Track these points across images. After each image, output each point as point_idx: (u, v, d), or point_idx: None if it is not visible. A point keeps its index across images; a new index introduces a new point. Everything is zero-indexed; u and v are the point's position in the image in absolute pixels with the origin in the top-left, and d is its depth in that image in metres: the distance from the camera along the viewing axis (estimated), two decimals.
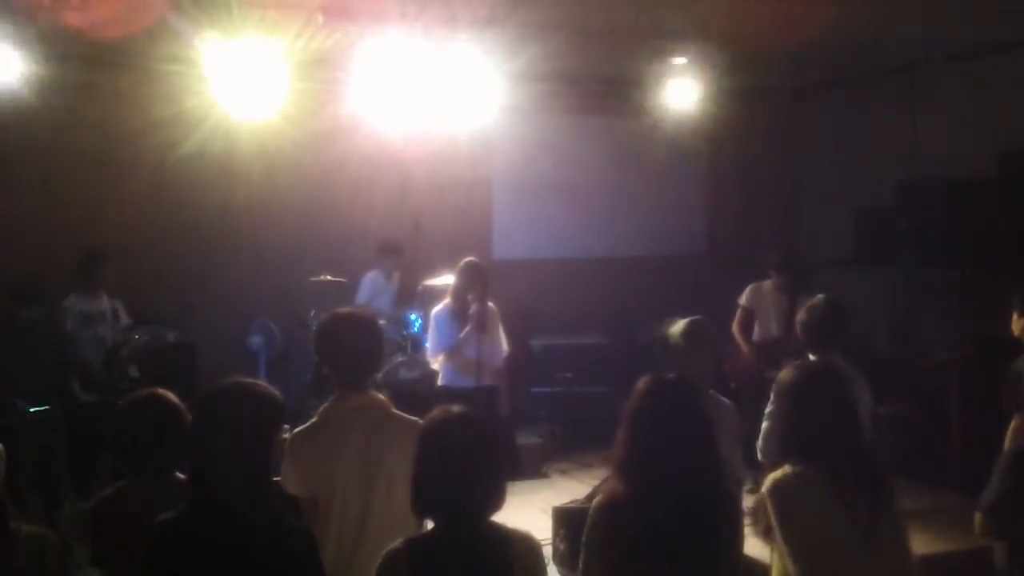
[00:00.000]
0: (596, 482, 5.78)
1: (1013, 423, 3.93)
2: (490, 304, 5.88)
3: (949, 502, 5.79)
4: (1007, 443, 3.90)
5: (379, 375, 6.42)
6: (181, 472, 2.84)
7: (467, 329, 5.73)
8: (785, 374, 2.90)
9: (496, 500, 2.34)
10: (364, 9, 5.75)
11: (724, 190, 9.43)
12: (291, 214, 7.85)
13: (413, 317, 7.50)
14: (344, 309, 3.35)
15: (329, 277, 7.54)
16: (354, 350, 3.09)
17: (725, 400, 3.86)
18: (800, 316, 4.31)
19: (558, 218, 8.95)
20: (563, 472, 7.27)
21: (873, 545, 2.60)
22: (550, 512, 5.37)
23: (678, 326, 3.87)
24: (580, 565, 2.57)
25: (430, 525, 2.38)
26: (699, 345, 3.76)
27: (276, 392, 2.47)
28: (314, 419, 3.09)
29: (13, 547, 2.54)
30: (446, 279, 6.43)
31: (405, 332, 7.52)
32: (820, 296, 4.47)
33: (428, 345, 5.93)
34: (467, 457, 2.31)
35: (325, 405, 3.11)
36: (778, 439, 2.85)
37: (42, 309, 5.89)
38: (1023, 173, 6.84)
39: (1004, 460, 3.60)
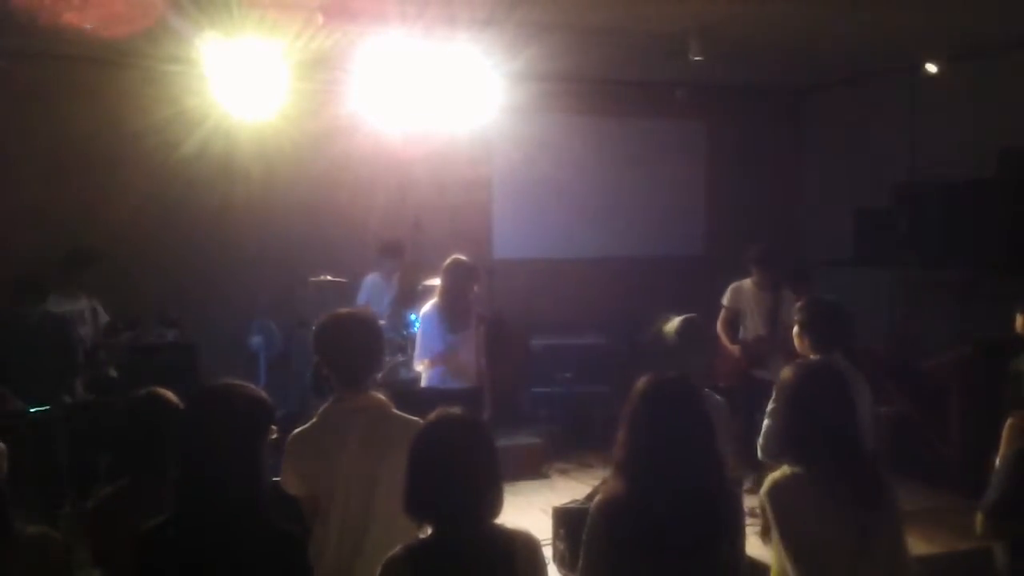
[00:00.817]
0: (596, 482, 5.79)
1: (1009, 422, 3.92)
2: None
3: (949, 502, 5.79)
4: (1003, 443, 3.89)
5: (379, 375, 6.37)
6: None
7: (467, 331, 5.66)
8: (786, 373, 2.89)
9: (495, 503, 2.34)
10: (364, 9, 5.75)
11: (724, 190, 9.43)
12: (291, 214, 7.85)
13: (413, 317, 7.48)
14: (344, 309, 3.35)
15: (329, 277, 7.53)
16: (354, 350, 3.09)
17: (718, 398, 3.86)
18: (801, 315, 4.28)
19: (558, 218, 8.95)
20: (563, 472, 7.27)
21: (870, 547, 2.59)
22: (550, 512, 5.38)
23: (672, 324, 3.87)
24: (580, 564, 2.57)
25: (429, 528, 2.37)
26: (693, 343, 3.76)
27: (264, 394, 2.47)
28: (314, 419, 3.08)
29: (16, 547, 2.54)
30: None
31: (405, 332, 7.51)
32: (822, 295, 4.46)
33: (416, 347, 5.69)
34: (466, 460, 2.31)
35: (325, 405, 3.11)
36: (777, 437, 2.84)
37: (42, 308, 5.89)
38: (1023, 173, 6.84)
39: (1006, 460, 3.60)
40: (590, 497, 5.25)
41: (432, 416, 2.43)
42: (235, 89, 5.67)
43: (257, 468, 2.37)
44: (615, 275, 8.77)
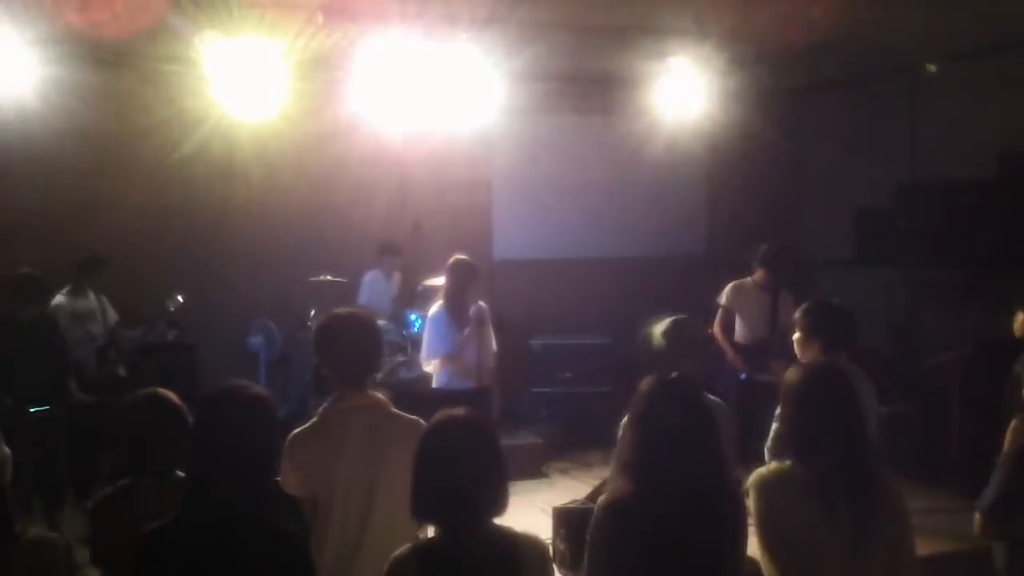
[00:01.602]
0: (596, 482, 5.80)
1: (1013, 423, 3.92)
2: (480, 303, 5.82)
3: (949, 502, 5.78)
4: (1006, 444, 3.89)
5: (379, 375, 6.37)
6: (182, 472, 2.84)
7: (467, 331, 5.66)
8: (792, 375, 2.88)
9: (499, 503, 2.33)
10: (364, 9, 5.75)
11: (724, 190, 9.43)
12: (291, 214, 7.86)
13: (413, 317, 7.50)
14: (343, 309, 3.34)
15: (329, 277, 7.55)
16: (354, 350, 3.08)
17: (718, 400, 3.85)
18: (808, 319, 4.25)
19: (558, 218, 8.95)
20: (563, 472, 7.28)
21: (860, 551, 2.56)
22: (550, 512, 5.38)
23: (661, 327, 3.83)
24: (584, 565, 2.57)
25: (430, 528, 2.37)
26: (681, 346, 3.72)
27: (265, 391, 2.48)
28: (314, 419, 3.08)
29: (17, 552, 2.53)
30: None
31: (405, 332, 7.52)
32: (826, 298, 4.44)
33: (424, 347, 5.74)
34: (472, 460, 2.30)
35: (325, 405, 3.10)
36: (785, 440, 2.83)
37: (40, 308, 5.89)
38: (1023, 173, 6.84)
39: (1005, 460, 3.60)
40: (590, 497, 5.26)
41: (438, 417, 2.42)
42: (235, 89, 5.66)
43: (263, 468, 2.38)
44: (615, 275, 8.76)
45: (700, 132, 8.64)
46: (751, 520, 2.64)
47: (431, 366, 5.74)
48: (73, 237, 6.83)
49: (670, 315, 4.39)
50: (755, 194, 9.36)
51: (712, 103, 7.30)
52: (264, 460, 2.39)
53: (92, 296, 6.61)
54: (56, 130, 7.14)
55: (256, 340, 7.63)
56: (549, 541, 5.29)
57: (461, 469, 2.29)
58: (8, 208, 7.07)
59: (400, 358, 7.34)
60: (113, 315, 6.75)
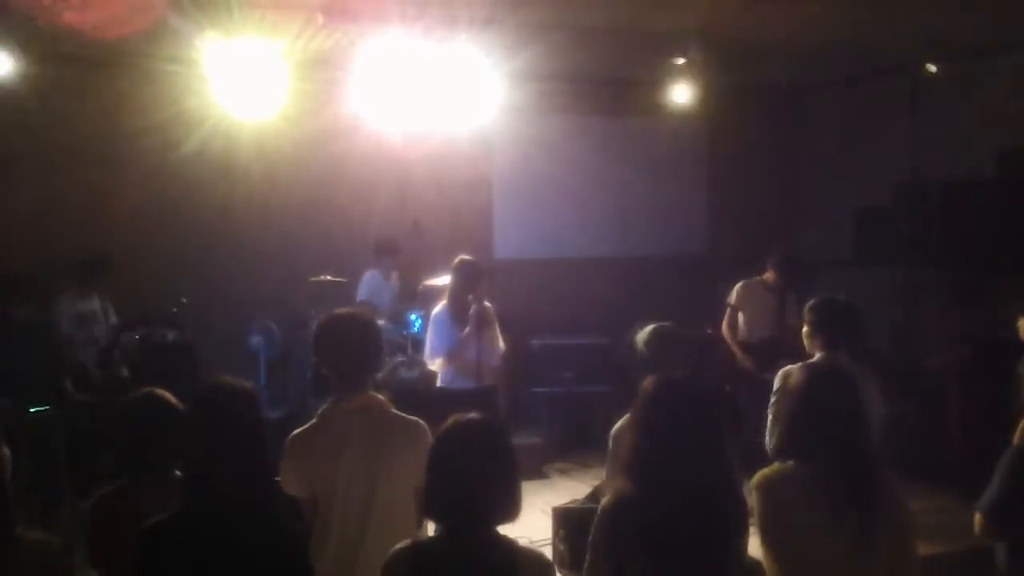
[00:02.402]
0: (596, 482, 5.79)
1: (1022, 424, 3.91)
2: (486, 303, 5.83)
3: (949, 502, 5.79)
4: (1016, 440, 3.87)
5: (379, 375, 6.38)
6: (180, 471, 2.84)
7: (467, 330, 5.67)
8: (795, 374, 2.88)
9: (509, 510, 2.32)
10: (364, 9, 5.74)
11: (724, 190, 9.43)
12: (291, 214, 7.86)
13: (413, 317, 7.49)
14: (343, 309, 3.34)
15: (329, 277, 7.54)
16: (353, 350, 3.08)
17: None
18: (815, 315, 4.26)
19: (558, 218, 8.95)
20: (563, 472, 7.28)
21: (862, 552, 2.57)
22: (550, 512, 5.37)
23: (642, 334, 3.79)
24: (586, 565, 2.56)
25: (431, 526, 2.36)
26: (662, 354, 3.69)
27: (250, 385, 2.51)
28: (314, 419, 3.08)
29: (16, 555, 2.53)
30: (446, 279, 6.40)
31: (405, 332, 7.51)
32: (833, 295, 4.45)
33: (427, 347, 5.81)
34: (483, 464, 2.29)
35: (325, 405, 3.11)
36: (787, 438, 2.83)
37: (33, 307, 5.89)
38: (1023, 172, 6.84)
39: (1005, 459, 3.59)
40: (590, 497, 5.26)
41: (456, 417, 2.40)
42: (235, 89, 5.65)
43: (257, 465, 2.38)
44: (616, 275, 8.76)
45: (700, 132, 8.67)
46: (753, 520, 2.64)
47: (435, 365, 5.79)
48: (73, 237, 6.82)
49: (653, 322, 4.35)
50: (755, 194, 9.37)
51: (712, 103, 7.30)
52: (256, 448, 2.39)
53: (95, 298, 6.61)
54: (56, 130, 7.15)
55: (256, 340, 7.63)
56: (549, 541, 5.29)
57: (471, 472, 2.28)
58: (8, 208, 7.07)
59: (400, 358, 7.34)
60: (115, 318, 6.75)
